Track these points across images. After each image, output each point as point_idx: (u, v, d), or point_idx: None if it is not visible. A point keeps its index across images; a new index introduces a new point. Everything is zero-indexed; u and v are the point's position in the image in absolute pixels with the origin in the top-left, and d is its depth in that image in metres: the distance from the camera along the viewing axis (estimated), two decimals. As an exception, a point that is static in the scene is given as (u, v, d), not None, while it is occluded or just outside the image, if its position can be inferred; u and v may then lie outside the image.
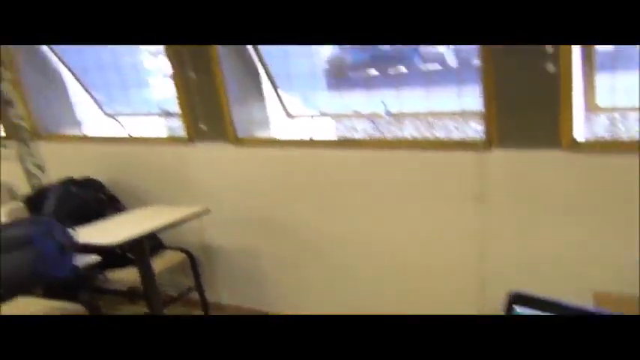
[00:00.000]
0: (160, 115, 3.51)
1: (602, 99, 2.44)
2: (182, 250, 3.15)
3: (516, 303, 1.26)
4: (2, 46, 3.42)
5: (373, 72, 6.47)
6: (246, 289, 3.21)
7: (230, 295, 3.28)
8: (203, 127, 2.81)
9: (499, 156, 2.29)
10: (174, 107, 3.11)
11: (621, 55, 2.42)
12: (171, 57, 2.83)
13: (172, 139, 3.21)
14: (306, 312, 2.93)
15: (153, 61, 3.68)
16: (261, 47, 2.83)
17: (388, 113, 2.88)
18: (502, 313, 1.12)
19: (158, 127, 3.53)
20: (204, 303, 3.15)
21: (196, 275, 3.13)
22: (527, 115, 2.20)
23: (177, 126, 3.19)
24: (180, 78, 2.87)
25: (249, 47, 2.83)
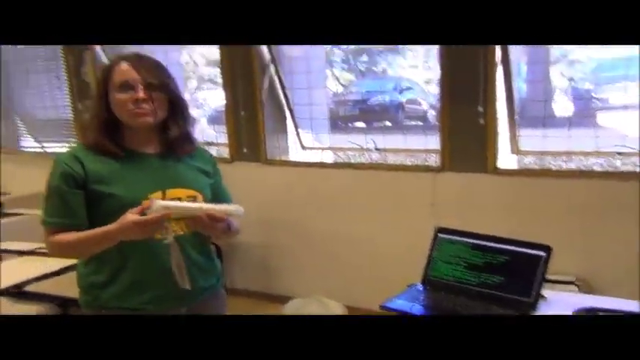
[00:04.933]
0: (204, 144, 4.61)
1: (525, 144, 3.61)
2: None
3: (440, 232, 2.27)
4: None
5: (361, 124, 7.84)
6: (255, 275, 4.25)
7: (244, 280, 4.28)
8: (245, 150, 3.97)
9: (448, 176, 3.47)
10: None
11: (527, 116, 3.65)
12: (229, 99, 4.02)
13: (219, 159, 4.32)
14: (299, 290, 3.79)
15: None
16: (290, 97, 4.02)
17: (376, 148, 4.06)
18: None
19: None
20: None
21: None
22: (467, 151, 3.39)
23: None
24: (232, 114, 4.04)
25: (283, 96, 4.02)
